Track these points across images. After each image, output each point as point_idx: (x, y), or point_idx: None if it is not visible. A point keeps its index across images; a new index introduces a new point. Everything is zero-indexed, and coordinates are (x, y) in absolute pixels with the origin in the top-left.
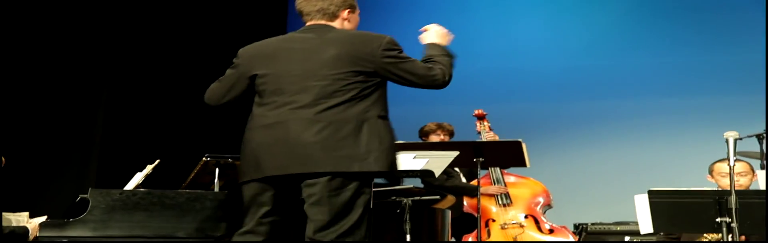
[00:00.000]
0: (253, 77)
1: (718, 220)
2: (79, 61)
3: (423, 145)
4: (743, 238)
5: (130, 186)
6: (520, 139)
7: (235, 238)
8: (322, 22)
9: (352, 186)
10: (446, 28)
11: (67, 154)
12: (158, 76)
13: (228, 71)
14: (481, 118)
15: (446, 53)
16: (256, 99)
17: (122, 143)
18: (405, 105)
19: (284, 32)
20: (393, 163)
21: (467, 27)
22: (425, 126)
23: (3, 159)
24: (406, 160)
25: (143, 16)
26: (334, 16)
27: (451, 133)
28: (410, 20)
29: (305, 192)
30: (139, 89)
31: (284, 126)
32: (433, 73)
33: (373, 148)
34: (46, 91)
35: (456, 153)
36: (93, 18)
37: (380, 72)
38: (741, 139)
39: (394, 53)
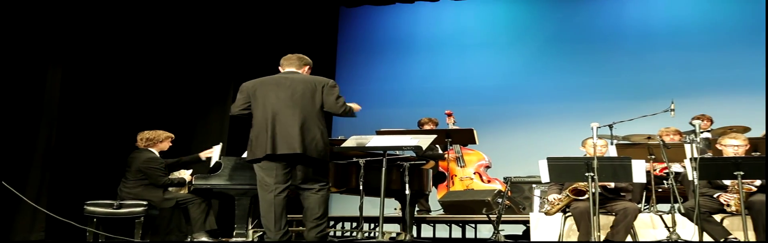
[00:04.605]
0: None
1: (586, 174)
2: (216, 73)
3: (417, 131)
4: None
5: (245, 155)
6: (472, 128)
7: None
8: (293, 69)
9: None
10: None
11: (211, 137)
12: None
13: (238, 96)
14: (449, 115)
15: (353, 108)
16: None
17: (242, 130)
18: (408, 107)
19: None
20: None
21: (438, 61)
22: (421, 119)
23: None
24: (406, 140)
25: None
26: (300, 67)
27: (436, 124)
28: (401, 59)
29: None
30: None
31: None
32: (340, 106)
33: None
34: (196, 95)
35: (435, 136)
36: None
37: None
38: (600, 127)
39: (335, 90)
